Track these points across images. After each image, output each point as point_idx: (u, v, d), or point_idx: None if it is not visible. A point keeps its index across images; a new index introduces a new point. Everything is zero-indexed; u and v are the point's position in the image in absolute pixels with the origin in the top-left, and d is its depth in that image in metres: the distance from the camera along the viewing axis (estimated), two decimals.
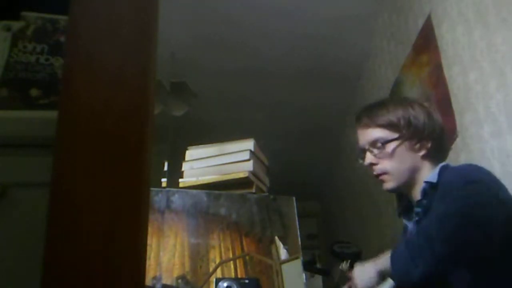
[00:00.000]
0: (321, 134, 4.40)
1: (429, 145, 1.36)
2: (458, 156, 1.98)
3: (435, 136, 1.37)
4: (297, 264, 1.52)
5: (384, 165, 1.37)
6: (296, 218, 1.60)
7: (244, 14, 3.07)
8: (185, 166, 1.73)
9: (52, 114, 0.51)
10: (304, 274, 1.52)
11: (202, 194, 1.58)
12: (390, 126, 1.37)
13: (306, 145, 4.63)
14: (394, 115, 1.38)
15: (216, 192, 1.60)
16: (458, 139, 1.98)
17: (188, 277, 1.45)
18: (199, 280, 1.45)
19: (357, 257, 1.58)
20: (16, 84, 0.81)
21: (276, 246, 1.54)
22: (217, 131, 2.53)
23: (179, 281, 1.44)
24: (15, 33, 0.86)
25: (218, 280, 1.43)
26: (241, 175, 1.63)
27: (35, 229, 0.50)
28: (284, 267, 1.50)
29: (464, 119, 1.93)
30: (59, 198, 0.47)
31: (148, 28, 0.54)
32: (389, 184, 1.38)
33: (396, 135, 1.36)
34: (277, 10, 3.02)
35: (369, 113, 1.43)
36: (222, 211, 1.57)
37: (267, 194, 1.70)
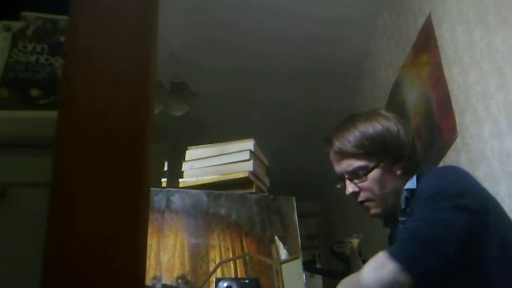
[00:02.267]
0: (321, 134, 4.38)
1: (404, 163, 1.33)
2: (458, 156, 1.98)
3: (408, 153, 1.34)
4: (297, 264, 1.52)
5: (367, 192, 1.34)
6: (296, 218, 1.60)
7: (244, 14, 3.07)
8: (185, 166, 1.73)
9: (52, 114, 0.51)
10: (304, 274, 1.52)
11: (202, 194, 1.58)
12: (365, 154, 1.33)
13: (306, 145, 4.62)
14: (367, 137, 1.33)
15: (216, 192, 1.60)
16: (458, 139, 1.98)
17: (188, 277, 1.45)
18: (199, 280, 1.45)
19: None
20: (16, 84, 0.81)
21: (276, 246, 1.54)
22: (217, 131, 2.52)
23: (179, 281, 1.44)
24: (15, 33, 0.86)
25: (218, 280, 1.43)
26: (241, 175, 1.63)
27: (35, 229, 0.50)
28: (284, 267, 1.50)
29: (464, 119, 1.93)
30: (59, 198, 0.47)
31: (148, 28, 0.54)
32: (375, 210, 1.36)
33: (374, 163, 1.32)
34: (276, 10, 3.02)
35: (339, 137, 1.37)
36: (222, 211, 1.57)
37: (267, 194, 1.70)
